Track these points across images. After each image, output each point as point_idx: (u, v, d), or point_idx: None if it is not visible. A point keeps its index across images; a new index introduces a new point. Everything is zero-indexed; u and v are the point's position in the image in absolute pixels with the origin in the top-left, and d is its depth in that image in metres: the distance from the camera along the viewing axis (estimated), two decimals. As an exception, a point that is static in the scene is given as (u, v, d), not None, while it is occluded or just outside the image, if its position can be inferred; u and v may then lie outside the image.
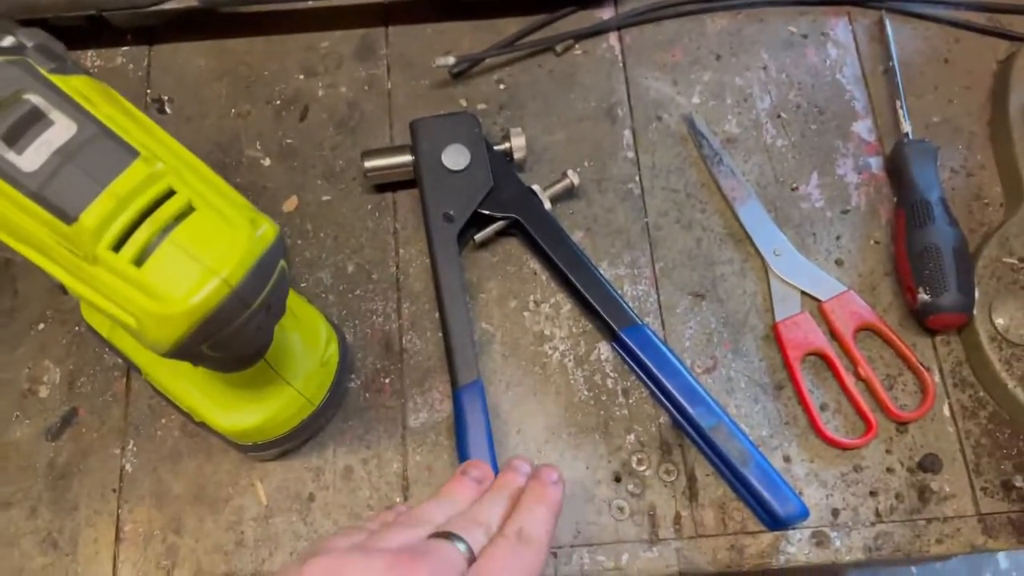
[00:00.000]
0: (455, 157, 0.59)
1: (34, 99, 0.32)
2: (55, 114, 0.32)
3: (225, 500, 0.55)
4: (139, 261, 0.32)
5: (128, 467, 0.55)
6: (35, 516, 0.54)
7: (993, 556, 1.49)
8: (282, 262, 0.35)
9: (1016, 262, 0.58)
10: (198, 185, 0.33)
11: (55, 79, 0.33)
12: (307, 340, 0.52)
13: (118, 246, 0.32)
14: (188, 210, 0.33)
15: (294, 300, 0.53)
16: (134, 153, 0.32)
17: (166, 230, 0.32)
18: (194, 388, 0.50)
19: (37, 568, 0.53)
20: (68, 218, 0.31)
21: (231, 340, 0.34)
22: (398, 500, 0.55)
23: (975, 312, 0.57)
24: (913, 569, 1.48)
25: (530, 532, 0.39)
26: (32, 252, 0.33)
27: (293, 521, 0.54)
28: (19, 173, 0.31)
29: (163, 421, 0.56)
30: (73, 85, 0.34)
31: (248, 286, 0.33)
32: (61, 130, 0.32)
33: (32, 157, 0.32)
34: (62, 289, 0.34)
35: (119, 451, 0.56)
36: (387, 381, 0.58)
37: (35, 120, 0.32)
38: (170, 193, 0.32)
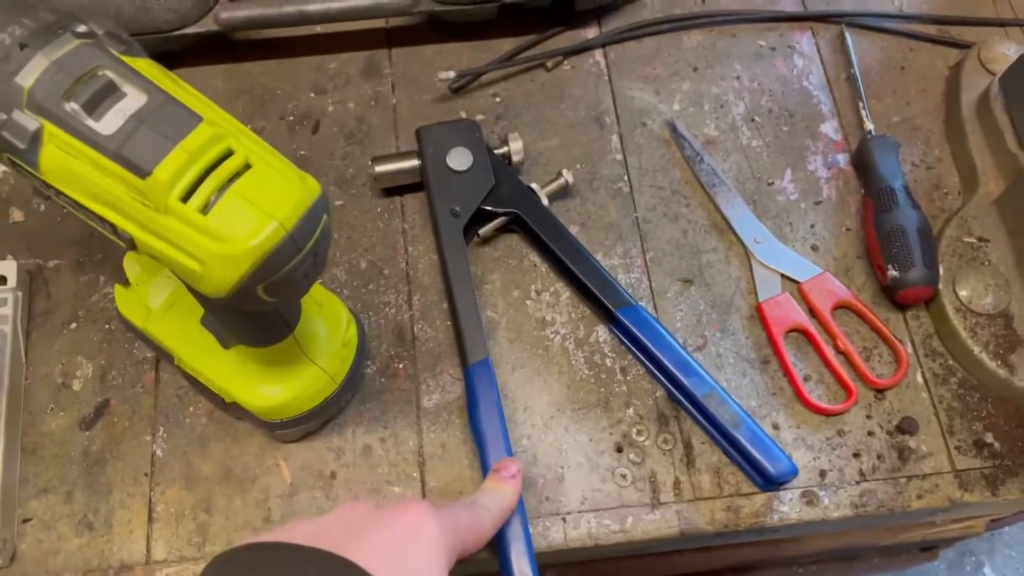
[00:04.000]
0: (459, 159, 0.64)
1: (109, 74, 0.37)
2: (127, 87, 0.37)
3: (252, 480, 0.58)
4: (205, 210, 0.36)
5: (159, 452, 0.59)
6: (71, 500, 0.57)
7: (981, 569, 1.53)
8: (325, 216, 0.39)
9: (975, 241, 0.63)
10: (253, 147, 0.38)
11: (124, 59, 0.38)
12: (330, 324, 0.56)
13: (186, 197, 0.36)
14: (246, 167, 0.37)
15: (317, 290, 0.57)
16: (199, 118, 0.37)
17: (228, 183, 0.37)
18: (227, 368, 0.54)
19: (74, 548, 0.56)
20: (143, 172, 0.35)
21: (283, 283, 0.38)
22: (415, 475, 0.58)
23: (940, 287, 0.62)
24: (901, 580, 1.52)
25: (483, 502, 0.49)
26: (107, 210, 0.37)
27: (317, 497, 0.57)
28: (99, 136, 0.36)
29: (191, 409, 0.60)
30: (140, 65, 0.38)
31: (300, 231, 0.37)
32: (133, 100, 0.37)
33: (110, 123, 0.36)
34: (131, 244, 0.38)
35: (150, 438, 0.59)
36: (401, 366, 0.61)
37: (110, 92, 0.36)
38: (230, 153, 0.37)
